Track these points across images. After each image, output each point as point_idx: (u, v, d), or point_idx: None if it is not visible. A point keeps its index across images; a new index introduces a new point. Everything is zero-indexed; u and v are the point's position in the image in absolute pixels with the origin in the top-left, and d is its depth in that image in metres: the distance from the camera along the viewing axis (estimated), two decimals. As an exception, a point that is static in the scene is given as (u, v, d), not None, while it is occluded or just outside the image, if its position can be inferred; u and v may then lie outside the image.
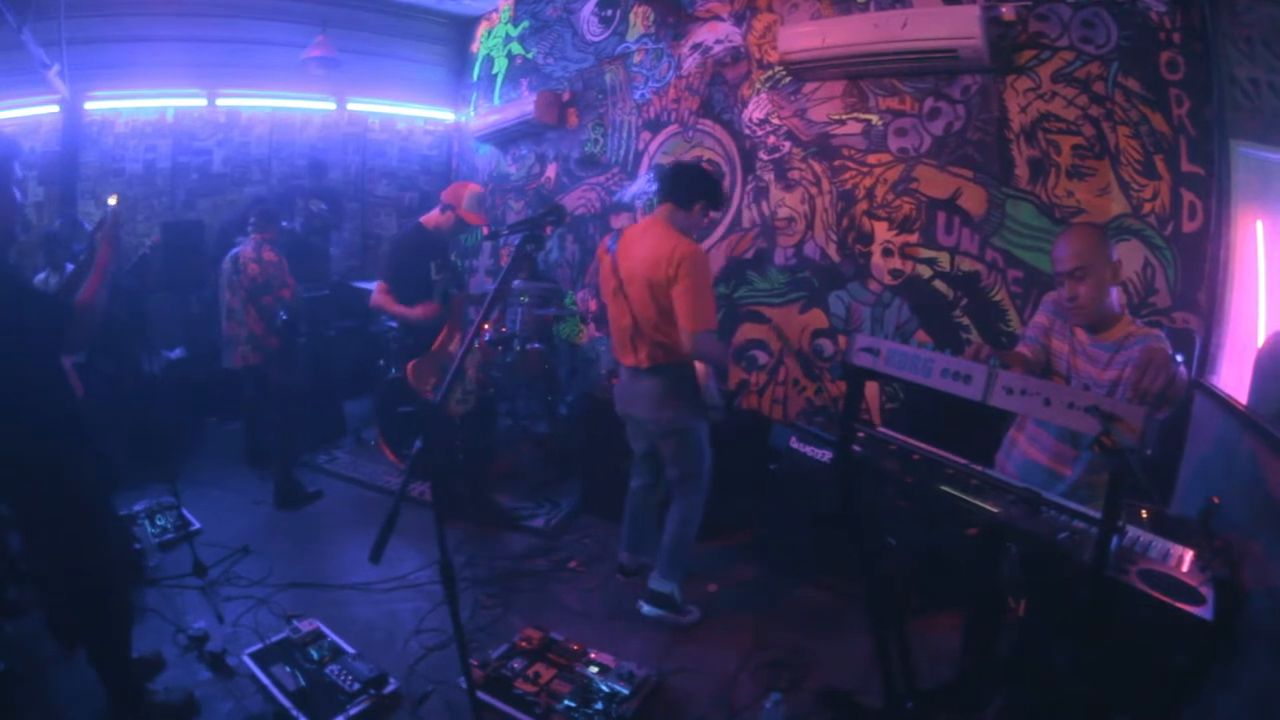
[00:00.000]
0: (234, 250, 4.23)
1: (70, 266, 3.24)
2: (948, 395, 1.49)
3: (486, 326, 4.44)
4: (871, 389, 3.88)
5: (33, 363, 2.11)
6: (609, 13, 5.25)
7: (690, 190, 2.92)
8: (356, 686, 2.47)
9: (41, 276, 3.85)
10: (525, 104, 5.57)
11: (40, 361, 2.14)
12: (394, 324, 4.34)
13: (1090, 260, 2.06)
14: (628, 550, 3.33)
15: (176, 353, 5.12)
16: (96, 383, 4.27)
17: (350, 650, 2.70)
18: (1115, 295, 2.12)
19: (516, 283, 5.02)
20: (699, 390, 2.94)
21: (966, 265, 3.62)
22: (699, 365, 2.94)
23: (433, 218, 3.96)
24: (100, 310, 2.19)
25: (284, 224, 5.06)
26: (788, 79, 4.18)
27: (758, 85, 4.37)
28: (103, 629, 2.28)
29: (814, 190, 4.15)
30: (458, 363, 1.86)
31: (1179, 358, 1.72)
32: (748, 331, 4.46)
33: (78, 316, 2.13)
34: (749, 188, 4.45)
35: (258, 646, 2.69)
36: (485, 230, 3.94)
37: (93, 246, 2.32)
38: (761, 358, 4.40)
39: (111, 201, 2.37)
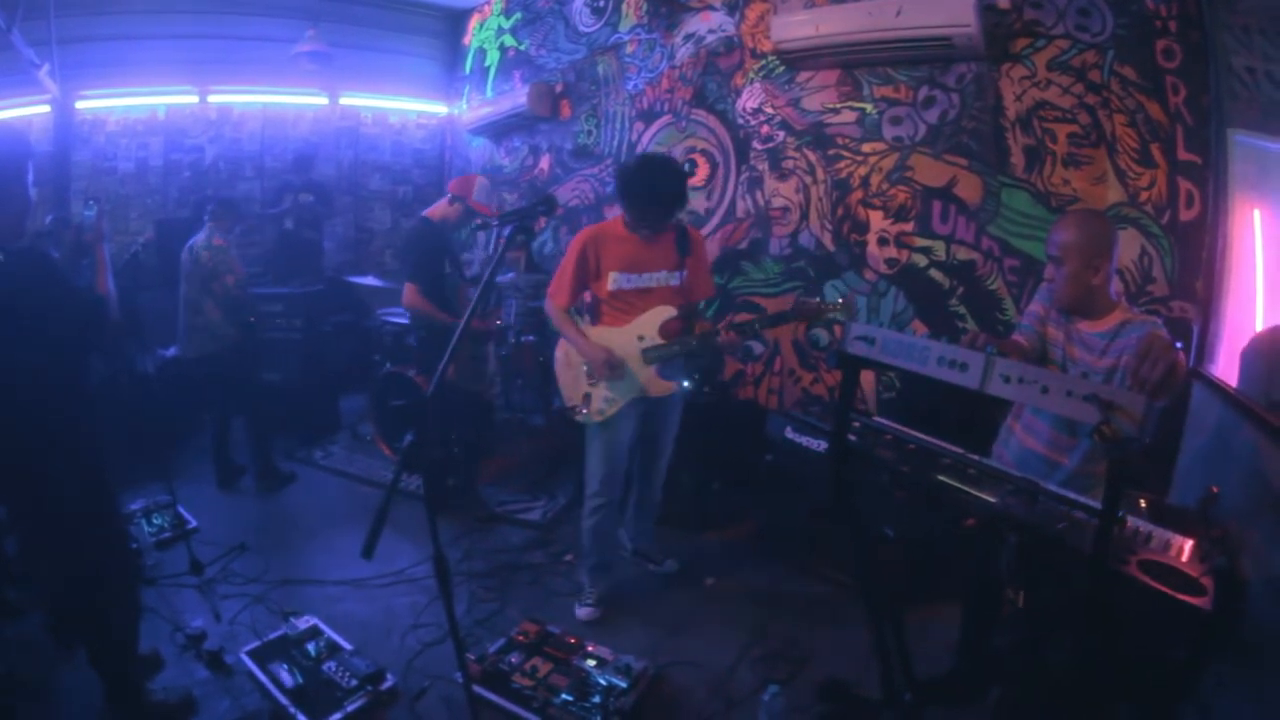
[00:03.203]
0: (190, 240, 4.18)
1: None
2: (944, 384, 1.48)
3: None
4: (867, 378, 3.87)
5: (70, 359, 2.17)
6: (601, 3, 5.21)
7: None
8: (354, 683, 2.47)
9: None
10: (518, 96, 5.54)
11: (74, 359, 2.20)
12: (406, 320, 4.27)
13: (1072, 248, 2.04)
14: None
15: (171, 351, 5.08)
16: (91, 382, 4.25)
17: (347, 646, 2.70)
18: (1112, 283, 2.11)
19: (511, 275, 5.00)
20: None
21: (962, 254, 3.61)
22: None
23: (439, 209, 3.80)
24: (115, 302, 2.28)
25: (271, 210, 4.97)
26: (781, 68, 4.16)
27: (751, 75, 4.34)
28: (112, 628, 2.27)
29: (808, 180, 4.13)
30: (452, 346, 1.84)
31: (1178, 345, 1.71)
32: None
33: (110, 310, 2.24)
34: (743, 178, 4.43)
35: (255, 644, 2.69)
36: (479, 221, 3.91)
37: (80, 248, 2.34)
38: (756, 348, 4.39)
39: (90, 212, 2.41)
